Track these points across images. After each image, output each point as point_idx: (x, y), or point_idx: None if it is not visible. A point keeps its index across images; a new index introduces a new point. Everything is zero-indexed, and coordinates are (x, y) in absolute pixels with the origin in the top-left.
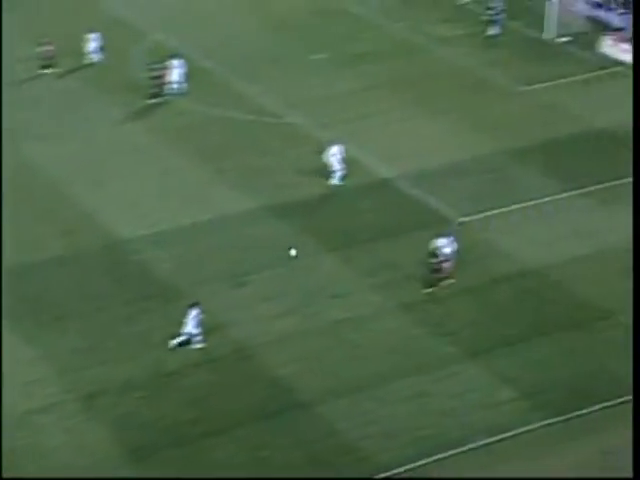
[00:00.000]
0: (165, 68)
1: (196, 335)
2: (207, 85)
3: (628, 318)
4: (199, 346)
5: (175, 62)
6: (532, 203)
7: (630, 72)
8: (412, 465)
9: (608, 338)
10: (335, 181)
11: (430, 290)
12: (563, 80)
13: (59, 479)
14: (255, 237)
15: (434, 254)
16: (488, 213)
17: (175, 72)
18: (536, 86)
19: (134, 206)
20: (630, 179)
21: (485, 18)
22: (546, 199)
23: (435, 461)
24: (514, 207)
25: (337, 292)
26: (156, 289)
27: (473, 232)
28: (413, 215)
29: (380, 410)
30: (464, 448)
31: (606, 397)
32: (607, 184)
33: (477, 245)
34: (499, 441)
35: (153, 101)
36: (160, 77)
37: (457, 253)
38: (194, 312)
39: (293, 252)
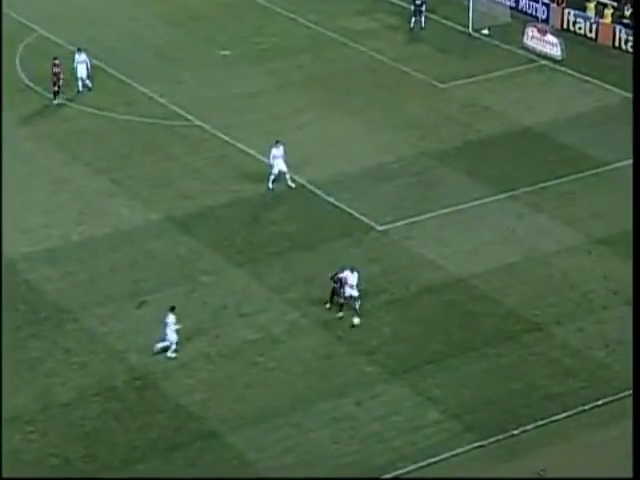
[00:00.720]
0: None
1: (173, 343)
2: (103, 86)
3: (560, 329)
4: (173, 355)
5: (81, 57)
6: (457, 208)
7: (556, 66)
8: None
9: (539, 352)
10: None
11: (341, 314)
12: (487, 75)
13: (59, 479)
14: (156, 252)
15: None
16: (411, 219)
17: (82, 68)
18: (459, 82)
19: (21, 221)
20: (559, 181)
21: (411, 9)
22: (472, 203)
23: None
24: (438, 212)
25: (247, 310)
26: (47, 312)
27: (395, 240)
28: (330, 224)
29: (297, 437)
30: (390, 475)
31: (539, 415)
32: (535, 186)
33: (399, 254)
34: (427, 466)
35: (57, 101)
36: (60, 74)
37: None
38: (171, 317)
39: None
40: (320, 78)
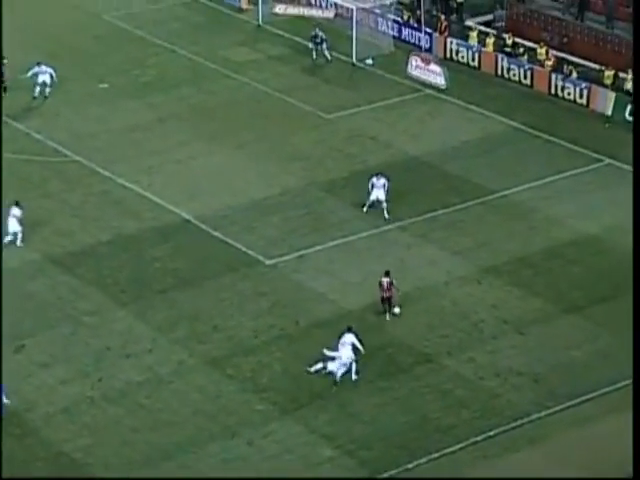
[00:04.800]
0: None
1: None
2: None
3: (451, 360)
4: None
5: (41, 68)
6: (346, 240)
7: (440, 95)
8: None
9: (431, 384)
10: None
11: None
12: (372, 105)
13: (59, 479)
14: (35, 293)
15: None
16: (299, 252)
17: (46, 76)
18: (344, 112)
19: None
20: (446, 210)
21: (310, 46)
22: (360, 234)
23: None
24: (327, 245)
25: (131, 351)
26: None
27: (284, 274)
28: (216, 259)
29: None
30: None
31: (432, 449)
32: (423, 216)
33: (288, 288)
34: None
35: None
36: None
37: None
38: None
39: None
40: (203, 110)
